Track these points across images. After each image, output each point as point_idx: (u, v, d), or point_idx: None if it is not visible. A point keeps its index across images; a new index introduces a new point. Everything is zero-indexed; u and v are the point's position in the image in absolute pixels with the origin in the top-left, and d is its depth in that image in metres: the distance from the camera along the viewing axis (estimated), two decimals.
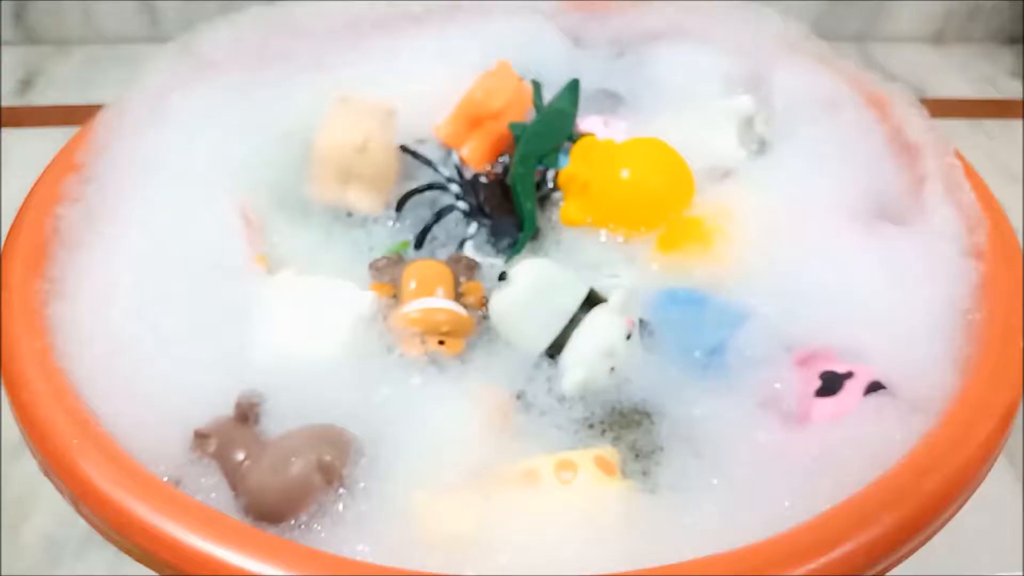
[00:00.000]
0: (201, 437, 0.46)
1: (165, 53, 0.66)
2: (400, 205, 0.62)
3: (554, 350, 0.52)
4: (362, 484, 0.45)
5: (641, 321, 0.53)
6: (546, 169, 0.63)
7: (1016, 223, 0.58)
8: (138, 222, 0.55)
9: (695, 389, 0.50)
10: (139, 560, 0.41)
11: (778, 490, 0.44)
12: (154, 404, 0.47)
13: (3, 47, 1.62)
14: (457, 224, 0.62)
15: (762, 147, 0.66)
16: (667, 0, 0.78)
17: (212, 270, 0.53)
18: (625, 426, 0.50)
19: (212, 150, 0.60)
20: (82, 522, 0.42)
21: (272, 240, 0.59)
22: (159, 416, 0.46)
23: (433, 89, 0.66)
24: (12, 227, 0.54)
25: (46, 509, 0.95)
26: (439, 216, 0.61)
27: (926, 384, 0.48)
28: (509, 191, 0.62)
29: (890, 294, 0.53)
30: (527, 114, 0.66)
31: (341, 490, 0.44)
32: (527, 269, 0.55)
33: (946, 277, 0.54)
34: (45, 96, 1.55)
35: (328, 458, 0.44)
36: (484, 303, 0.56)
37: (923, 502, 0.41)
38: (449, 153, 0.64)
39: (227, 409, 0.47)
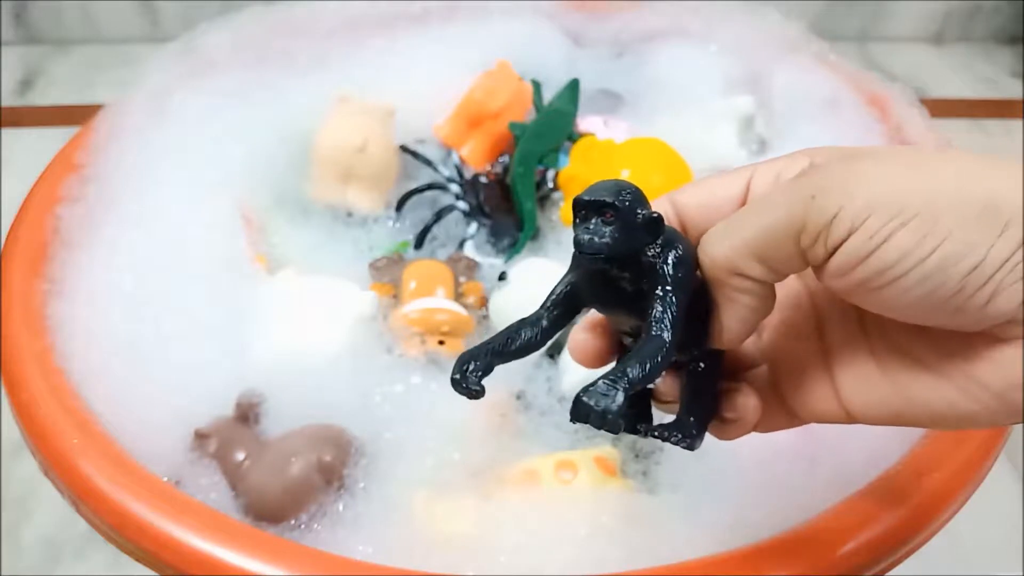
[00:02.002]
0: (201, 437, 0.46)
1: (165, 53, 0.66)
2: (400, 205, 0.62)
3: (554, 350, 0.52)
4: (362, 484, 0.45)
5: None
6: (546, 169, 0.63)
7: None
8: (138, 222, 0.55)
9: None
10: (139, 560, 0.41)
11: (778, 490, 0.43)
12: (154, 404, 0.47)
13: (3, 47, 1.63)
14: (457, 224, 0.62)
15: (762, 147, 0.66)
16: (667, 0, 0.78)
17: (212, 270, 0.53)
18: None
19: (212, 150, 0.60)
20: (82, 522, 0.42)
21: (272, 240, 0.59)
22: (159, 416, 0.46)
23: (433, 89, 0.66)
24: (12, 227, 0.54)
25: (46, 509, 0.95)
26: (439, 216, 0.61)
27: None
28: (509, 191, 0.62)
29: None
30: (527, 114, 0.66)
31: (341, 490, 0.44)
32: (527, 269, 0.55)
33: None
34: (45, 96, 1.55)
35: (328, 458, 0.44)
36: (484, 303, 0.56)
37: (923, 502, 0.41)
38: (449, 153, 0.64)
39: (227, 409, 0.47)
